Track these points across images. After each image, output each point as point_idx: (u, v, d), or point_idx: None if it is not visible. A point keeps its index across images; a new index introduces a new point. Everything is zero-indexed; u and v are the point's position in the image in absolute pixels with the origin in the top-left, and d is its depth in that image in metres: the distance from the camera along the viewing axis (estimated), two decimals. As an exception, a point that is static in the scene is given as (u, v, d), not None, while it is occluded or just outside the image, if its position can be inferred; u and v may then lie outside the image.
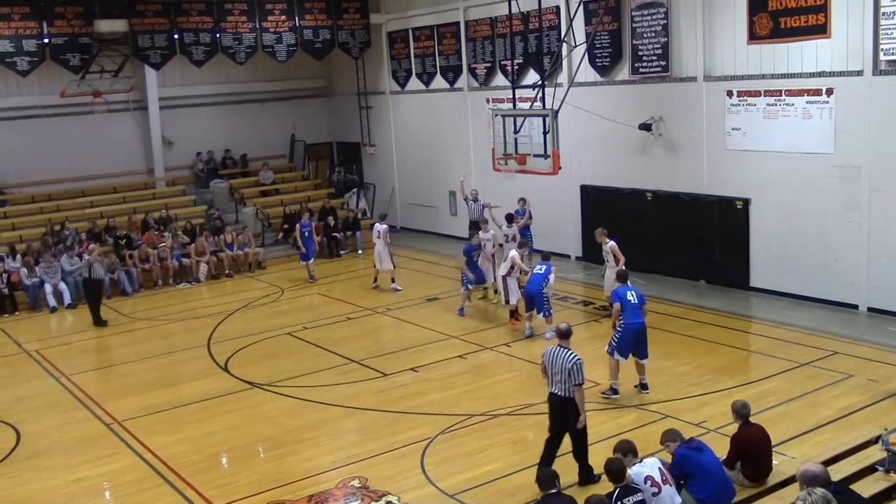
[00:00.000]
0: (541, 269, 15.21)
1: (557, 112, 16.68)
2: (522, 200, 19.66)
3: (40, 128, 24.54)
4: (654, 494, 7.99)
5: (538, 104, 17.89)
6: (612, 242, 15.62)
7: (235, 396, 13.40)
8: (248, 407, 12.95)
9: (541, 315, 15.09)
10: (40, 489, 10.59)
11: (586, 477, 9.64)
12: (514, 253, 16.30)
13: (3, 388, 14.58)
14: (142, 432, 12.09)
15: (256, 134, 27.88)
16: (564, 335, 10.02)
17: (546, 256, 15.88)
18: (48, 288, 20.09)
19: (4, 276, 19.89)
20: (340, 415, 12.36)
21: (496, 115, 18.09)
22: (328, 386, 13.53)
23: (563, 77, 20.20)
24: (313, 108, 29.20)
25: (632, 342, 12.17)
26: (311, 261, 21.18)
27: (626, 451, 8.32)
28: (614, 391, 12.18)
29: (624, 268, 14.46)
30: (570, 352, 9.73)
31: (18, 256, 20.76)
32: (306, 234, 21.23)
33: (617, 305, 12.29)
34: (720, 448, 9.20)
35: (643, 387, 12.36)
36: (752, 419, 9.33)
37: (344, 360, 14.73)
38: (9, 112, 24.15)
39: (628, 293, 12.28)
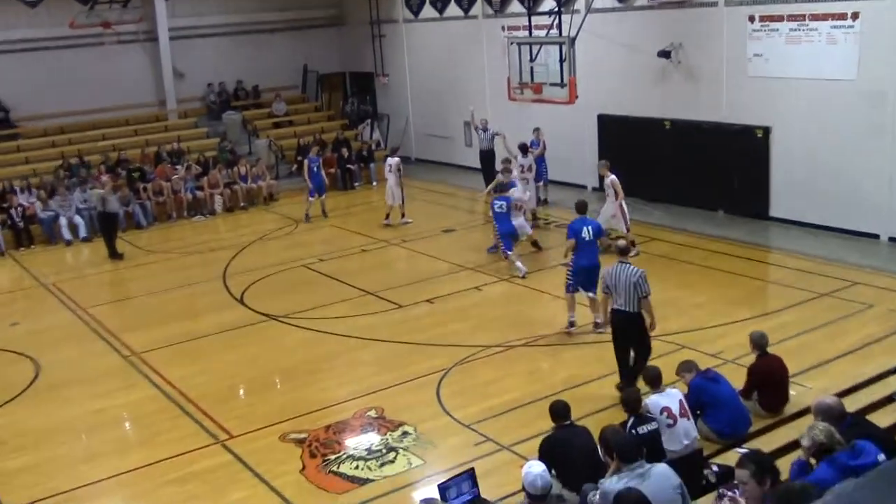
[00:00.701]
0: (501, 207, 14.93)
1: (574, 39, 16.38)
2: (537, 130, 19.47)
3: (50, 60, 24.33)
4: (669, 426, 8.02)
5: (554, 32, 17.58)
6: (612, 176, 15.36)
7: (252, 329, 13.50)
8: (265, 339, 13.06)
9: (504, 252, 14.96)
10: (61, 419, 10.77)
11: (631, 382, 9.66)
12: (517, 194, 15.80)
13: (20, 321, 14.73)
14: (160, 364, 12.23)
15: (268, 65, 27.58)
16: (624, 251, 10.25)
17: (501, 188, 15.56)
18: (63, 221, 20.18)
19: (20, 209, 19.96)
20: (356, 346, 12.45)
21: (511, 44, 17.80)
22: (344, 318, 13.60)
23: (580, 3, 19.74)
24: (325, 38, 28.81)
25: (584, 275, 12.04)
26: (323, 196, 20.75)
27: (651, 378, 8.34)
28: (571, 324, 12.14)
29: (617, 201, 14.54)
30: (631, 266, 9.88)
31: (33, 190, 20.82)
32: (315, 169, 20.76)
33: (570, 242, 11.98)
34: (737, 379, 9.21)
35: (596, 326, 12.18)
36: (770, 350, 9.32)
37: (359, 292, 14.79)
38: (18, 44, 23.92)
39: (584, 228, 11.98)
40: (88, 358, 12.78)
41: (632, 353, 10.05)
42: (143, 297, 15.70)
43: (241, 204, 22.36)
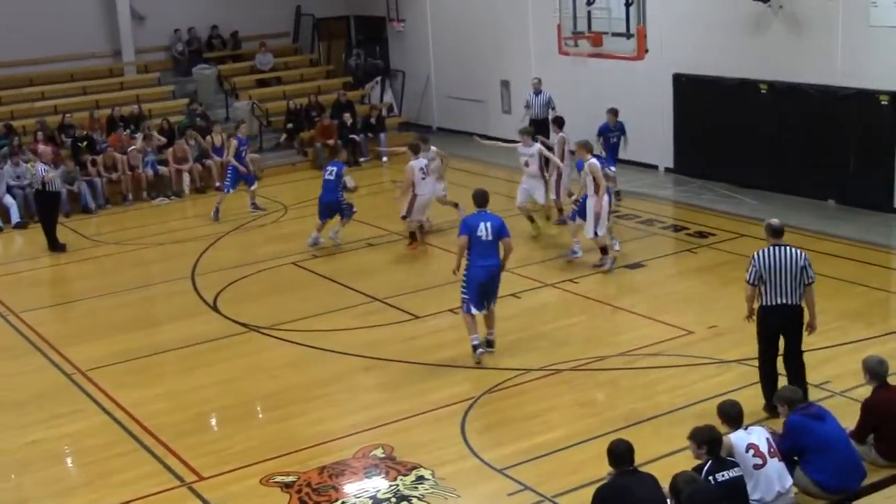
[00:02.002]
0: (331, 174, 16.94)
1: (646, -24, 16.40)
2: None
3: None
4: (757, 467, 8.08)
5: (620, -34, 17.58)
6: (592, 160, 15.31)
7: (228, 342, 13.62)
8: (244, 355, 13.16)
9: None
10: (-14, 454, 10.94)
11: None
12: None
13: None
14: (111, 385, 12.36)
15: (252, 5, 27.83)
16: (779, 232, 10.21)
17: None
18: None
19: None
20: (360, 367, 12.53)
21: (565, -20, 17.82)
22: (344, 330, 13.70)
23: (653, -71, 19.77)
24: (325, -29, 29.00)
25: (481, 290, 12.06)
26: (254, 186, 20.36)
27: (730, 417, 8.38)
28: (475, 348, 12.16)
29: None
30: (792, 248, 10.10)
31: (-48, 161, 21.13)
32: (243, 154, 20.07)
33: (462, 240, 12.03)
34: (848, 417, 9.21)
35: (488, 344, 12.32)
36: (892, 380, 9.32)
37: (364, 298, 14.87)
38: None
39: (482, 224, 12.02)
40: (21, 376, 12.94)
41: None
42: (90, 299, 15.86)
43: (216, 183, 22.56)
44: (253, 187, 20.32)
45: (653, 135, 20.77)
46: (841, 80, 17.50)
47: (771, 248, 10.10)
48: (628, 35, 16.45)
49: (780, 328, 10.19)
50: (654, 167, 21.06)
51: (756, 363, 10.78)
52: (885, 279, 14.81)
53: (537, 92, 21.05)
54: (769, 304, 10.09)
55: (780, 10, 18.14)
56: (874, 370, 9.15)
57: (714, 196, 18.64)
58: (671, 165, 20.73)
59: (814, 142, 18.03)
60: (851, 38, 17.24)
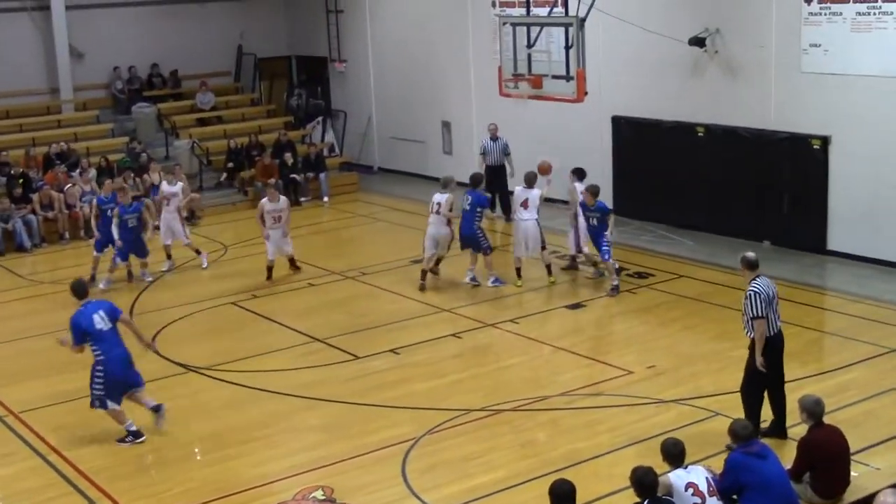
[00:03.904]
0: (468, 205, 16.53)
1: (584, 20, 16.59)
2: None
3: None
4: None
5: (559, 10, 17.79)
6: (536, 191, 16.54)
7: (165, 382, 13.44)
8: (182, 396, 13.03)
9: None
10: (-87, 499, 10.68)
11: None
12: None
13: None
14: (44, 427, 12.16)
15: (193, 44, 27.71)
16: (757, 264, 10.72)
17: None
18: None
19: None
20: (300, 407, 12.46)
21: (504, 24, 18.00)
22: (284, 371, 13.62)
23: (592, -25, 20.08)
24: (267, 12, 29.02)
25: (121, 380, 11.73)
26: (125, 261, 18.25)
27: (672, 455, 8.42)
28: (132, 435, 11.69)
29: None
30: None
31: None
32: (109, 213, 18.07)
33: (75, 347, 11.75)
34: (785, 456, 9.31)
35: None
36: (827, 419, 9.44)
37: (304, 339, 14.81)
38: None
39: (96, 315, 11.63)
40: (-49, 418, 12.70)
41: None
42: (23, 340, 15.60)
43: (154, 222, 22.32)
44: (144, 259, 18.39)
45: (592, 176, 20.88)
46: (775, 125, 17.84)
47: (763, 279, 10.52)
48: (568, 77, 16.64)
49: (780, 356, 10.58)
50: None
51: (694, 403, 10.90)
52: (819, 319, 15.06)
53: (494, 138, 20.99)
54: (773, 333, 10.45)
55: (715, 55, 18.48)
56: (810, 409, 9.27)
57: (652, 237, 18.84)
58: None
59: (749, 184, 18.32)
60: (784, 84, 17.60)
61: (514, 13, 20.15)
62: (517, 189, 17.00)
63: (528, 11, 18.63)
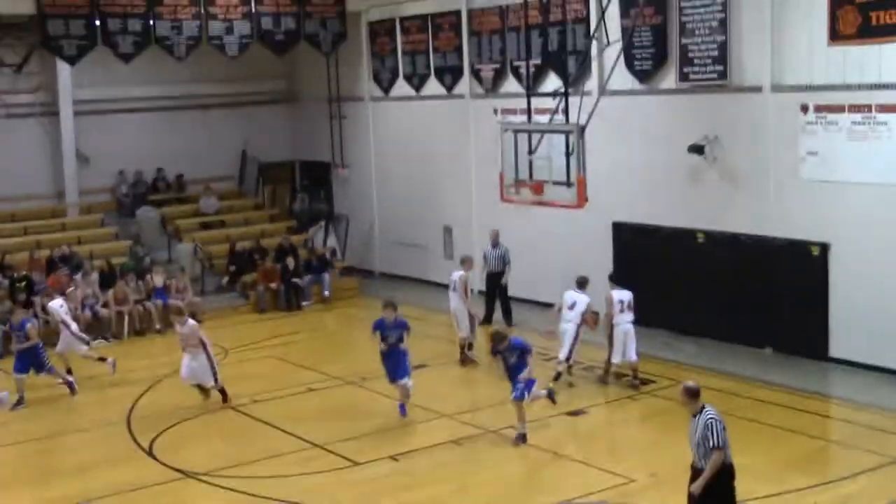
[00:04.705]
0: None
1: (584, 128, 16.81)
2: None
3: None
4: None
5: (560, 117, 18.03)
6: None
7: (162, 489, 13.31)
8: (179, 503, 12.86)
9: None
10: None
11: None
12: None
13: None
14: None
15: (198, 149, 28.01)
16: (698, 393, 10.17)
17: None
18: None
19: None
20: (298, 515, 12.29)
21: (506, 131, 18.22)
22: (283, 477, 13.47)
23: (592, 84, 20.40)
24: (271, 118, 29.44)
25: None
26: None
27: None
28: None
29: None
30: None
31: None
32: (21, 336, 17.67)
33: None
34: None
35: None
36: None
37: (304, 444, 14.69)
38: None
39: None
40: (-55, 525, 12.55)
41: None
42: (19, 444, 15.50)
43: (156, 326, 22.34)
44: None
45: (593, 281, 20.93)
46: (774, 231, 17.92)
47: (712, 406, 10.09)
48: (569, 184, 16.78)
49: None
50: (596, 313, 21.15)
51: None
52: (822, 428, 14.92)
53: (495, 245, 21.12)
54: (731, 462, 9.98)
55: (714, 162, 18.66)
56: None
57: (654, 343, 18.76)
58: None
59: (750, 290, 18.33)
60: (783, 191, 17.75)
61: (515, 120, 20.42)
62: (568, 292, 17.32)
63: (530, 119, 18.88)
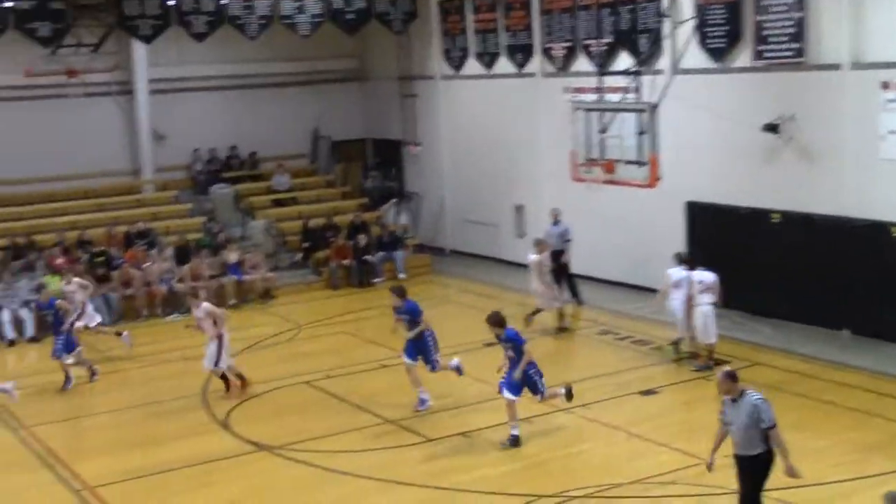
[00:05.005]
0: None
1: (657, 107, 16.71)
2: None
3: (-1, 114, 25.17)
4: None
5: (632, 96, 17.91)
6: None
7: (237, 461, 13.54)
8: (254, 475, 13.07)
9: None
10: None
11: None
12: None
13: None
14: (119, 502, 12.23)
15: (270, 127, 28.29)
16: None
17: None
18: (6, 315, 20.56)
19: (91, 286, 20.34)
20: (371, 489, 12.41)
21: (577, 110, 18.17)
22: (356, 452, 13.61)
23: (664, 62, 20.20)
24: (343, 97, 29.58)
25: None
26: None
27: None
28: None
29: None
30: None
31: (-29, 275, 21.31)
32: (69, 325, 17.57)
33: None
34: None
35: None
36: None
37: (377, 420, 14.81)
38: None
39: None
40: (30, 491, 12.88)
41: None
42: (100, 415, 15.85)
43: (231, 301, 22.63)
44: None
45: (665, 261, 20.79)
46: (852, 211, 17.62)
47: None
48: (641, 163, 16.70)
49: None
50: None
51: (771, 494, 10.66)
52: (901, 411, 14.70)
53: (555, 223, 21.09)
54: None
55: (790, 141, 18.39)
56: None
57: (728, 323, 18.56)
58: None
59: (827, 271, 18.05)
60: (861, 171, 17.42)
61: (586, 99, 20.28)
62: (672, 270, 16.99)
63: (601, 97, 18.77)
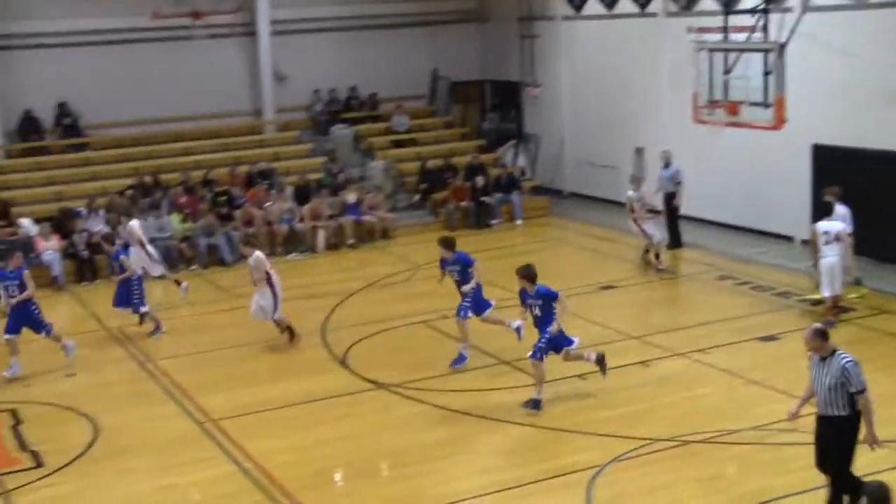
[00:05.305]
0: None
1: (785, 46, 16.24)
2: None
3: (127, 56, 25.85)
4: None
5: (758, 35, 17.45)
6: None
7: (355, 398, 13.81)
8: (371, 412, 13.32)
9: None
10: (121, 496, 11.27)
11: None
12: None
13: (79, 372, 15.50)
14: (240, 435, 12.63)
15: (390, 68, 28.39)
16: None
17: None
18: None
19: (84, 236, 21.07)
20: (485, 429, 12.54)
21: (701, 50, 17.81)
22: (471, 391, 13.73)
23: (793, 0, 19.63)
24: (462, 37, 29.48)
25: None
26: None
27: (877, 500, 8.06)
28: None
29: None
30: None
31: (101, 213, 21.98)
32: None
33: None
34: None
35: None
36: None
37: (492, 360, 14.91)
38: (89, 36, 25.52)
39: None
40: (156, 422, 13.35)
41: None
42: (223, 350, 16.27)
43: (349, 241, 22.94)
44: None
45: (788, 205, 20.39)
46: None
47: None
48: (766, 104, 16.31)
49: None
50: (789, 238, 20.61)
51: (894, 446, 10.43)
52: None
53: (666, 165, 20.84)
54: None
55: (926, 82, 17.73)
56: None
57: (855, 270, 18.13)
58: (808, 237, 20.24)
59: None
60: None
61: (711, 39, 19.79)
62: (821, 223, 16.09)
63: (726, 37, 18.32)
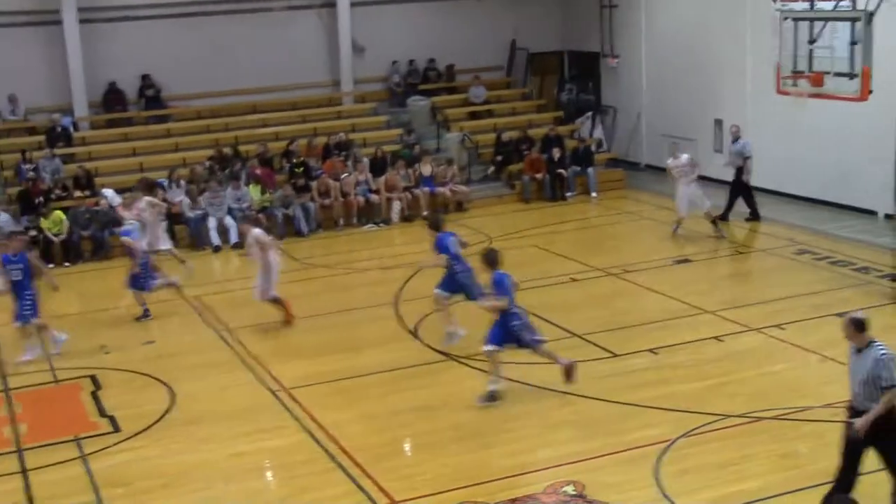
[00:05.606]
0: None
1: (873, 15, 15.86)
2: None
3: (207, 29, 26.17)
4: None
5: (845, 4, 17.06)
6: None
7: (426, 369, 13.91)
8: (442, 384, 13.42)
9: None
10: (195, 462, 11.51)
11: None
12: None
13: (156, 339, 15.86)
14: (312, 404, 12.81)
15: (468, 40, 28.37)
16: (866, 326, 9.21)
17: None
18: (212, 223, 21.56)
19: (165, 206, 21.44)
20: (555, 402, 12.55)
21: (785, 19, 17.48)
22: (542, 364, 13.70)
23: (882, -34, 19.10)
24: (540, 8, 29.27)
25: None
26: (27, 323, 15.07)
27: None
28: None
29: None
30: None
31: (182, 183, 22.37)
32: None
33: None
34: None
35: None
36: None
37: (564, 333, 14.87)
38: (171, 9, 25.91)
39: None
40: (231, 389, 13.61)
41: None
42: (298, 319, 16.44)
43: (424, 213, 23.04)
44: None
45: (872, 179, 19.95)
46: None
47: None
48: (851, 75, 15.98)
49: None
50: (873, 213, 20.20)
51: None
52: None
53: (735, 139, 20.62)
54: None
55: None
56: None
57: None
58: (892, 212, 19.83)
59: None
60: None
61: (796, 7, 19.38)
62: None
63: (812, 5, 17.92)
